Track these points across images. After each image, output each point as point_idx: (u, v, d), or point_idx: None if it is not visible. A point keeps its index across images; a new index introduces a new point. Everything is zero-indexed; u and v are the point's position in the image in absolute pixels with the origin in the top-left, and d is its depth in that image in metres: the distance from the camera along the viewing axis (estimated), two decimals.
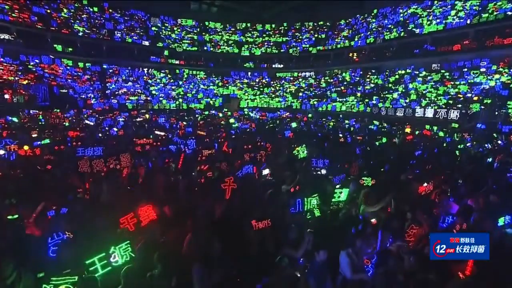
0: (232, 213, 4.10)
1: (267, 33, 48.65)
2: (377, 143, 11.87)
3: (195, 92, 39.17)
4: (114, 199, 4.64)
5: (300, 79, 43.52)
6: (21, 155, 6.30)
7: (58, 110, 22.23)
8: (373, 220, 4.36)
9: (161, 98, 34.90)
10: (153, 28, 43.59)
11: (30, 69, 29.75)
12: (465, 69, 25.99)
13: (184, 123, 17.03)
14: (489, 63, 24.80)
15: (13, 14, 31.07)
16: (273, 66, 45.87)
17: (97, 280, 2.56)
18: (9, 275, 2.47)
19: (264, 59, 46.11)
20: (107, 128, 13.14)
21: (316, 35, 45.56)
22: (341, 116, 27.58)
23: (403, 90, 28.22)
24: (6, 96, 23.90)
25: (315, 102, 33.97)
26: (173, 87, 39.08)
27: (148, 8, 43.62)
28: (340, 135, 13.83)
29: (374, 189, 5.43)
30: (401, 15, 36.44)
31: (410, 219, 3.84)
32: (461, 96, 22.92)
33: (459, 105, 21.37)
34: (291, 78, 44.61)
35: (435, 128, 17.65)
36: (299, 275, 2.82)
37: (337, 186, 5.40)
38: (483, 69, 24.73)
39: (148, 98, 34.29)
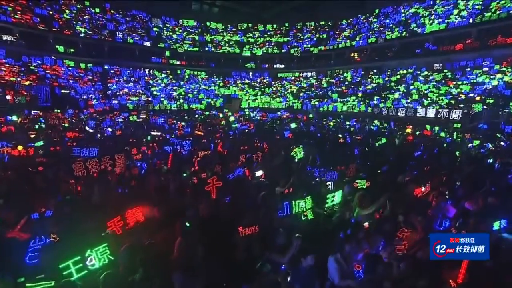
0: (220, 216, 4.03)
1: (269, 33, 48.59)
2: (376, 143, 11.73)
3: (196, 93, 39.18)
4: (105, 200, 4.59)
5: (302, 79, 43.38)
6: (14, 156, 6.29)
7: (58, 111, 22.28)
8: (365, 224, 4.26)
9: (162, 99, 34.94)
10: (155, 29, 43.71)
11: (32, 70, 29.94)
12: (468, 69, 25.73)
13: (183, 123, 17.00)
14: (491, 62, 24.53)
15: (15, 16, 31.32)
16: (275, 66, 45.78)
17: (77, 285, 2.50)
18: None
19: (265, 59, 46.05)
20: (105, 129, 13.12)
21: (317, 35, 45.42)
22: (341, 116, 27.40)
23: (405, 90, 27.99)
24: (8, 97, 24.04)
25: (316, 103, 33.81)
26: (174, 88, 39.12)
27: (149, 9, 43.76)
28: (340, 135, 13.70)
29: (370, 191, 5.34)
30: (403, 14, 36.20)
31: (402, 222, 3.73)
32: (463, 96, 22.67)
33: (461, 105, 21.14)
34: (292, 79, 44.49)
35: (436, 128, 17.46)
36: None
37: (328, 183, 5.31)
38: (485, 69, 24.46)
39: (149, 99, 34.34)
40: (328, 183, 5.46)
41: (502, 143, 13.01)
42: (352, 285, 2.88)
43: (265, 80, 45.07)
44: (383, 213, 4.44)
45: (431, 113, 21.67)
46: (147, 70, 40.70)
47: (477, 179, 6.55)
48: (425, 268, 2.78)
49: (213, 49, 45.49)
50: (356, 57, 38.70)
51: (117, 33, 38.93)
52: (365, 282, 2.67)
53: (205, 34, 47.23)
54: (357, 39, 38.47)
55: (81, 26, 36.66)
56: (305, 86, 41.29)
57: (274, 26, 48.57)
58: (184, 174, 5.43)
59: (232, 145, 9.13)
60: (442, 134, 15.12)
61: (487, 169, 8.00)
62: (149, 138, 10.63)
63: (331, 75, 40.84)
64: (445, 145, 11.71)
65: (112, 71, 37.23)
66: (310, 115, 28.39)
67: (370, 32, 38.10)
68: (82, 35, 35.98)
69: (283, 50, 45.38)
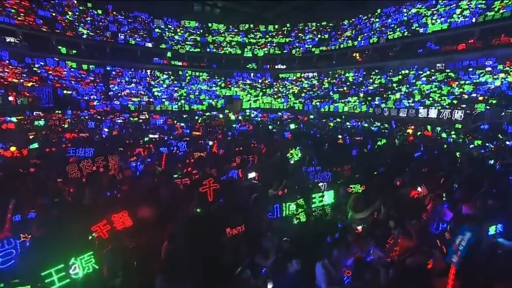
0: (210, 218, 3.97)
1: (270, 34, 48.56)
2: (376, 144, 11.59)
3: (198, 94, 39.22)
4: (95, 202, 4.55)
5: (303, 80, 43.25)
6: (7, 157, 6.28)
7: (59, 112, 22.40)
8: (359, 228, 4.17)
9: (163, 100, 35.02)
10: (156, 30, 43.87)
11: (35, 72, 30.18)
12: (470, 69, 25.46)
13: (182, 124, 16.98)
14: (495, 62, 24.24)
15: (19, 18, 31.61)
16: (276, 67, 45.72)
17: None
18: None
19: (267, 60, 46.01)
20: (100, 130, 13.12)
21: (319, 36, 45.31)
22: (343, 117, 27.24)
23: (406, 90, 27.76)
24: (11, 98, 24.23)
25: (318, 103, 33.67)
26: (175, 89, 39.19)
27: (151, 10, 43.94)
28: (340, 136, 13.58)
29: (365, 193, 5.24)
30: (405, 14, 35.96)
31: (393, 228, 3.62)
32: (466, 96, 22.41)
33: (464, 105, 20.89)
34: (294, 79, 44.38)
35: (438, 129, 17.26)
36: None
37: (320, 184, 5.22)
38: (488, 68, 24.17)
39: (151, 100, 34.43)
40: (320, 184, 5.37)
41: (507, 142, 12.80)
42: None
43: (266, 81, 45.00)
44: (377, 218, 4.33)
45: (433, 113, 21.44)
46: (148, 71, 40.84)
47: (476, 181, 6.40)
48: (413, 276, 2.69)
49: (214, 50, 45.56)
50: (357, 57, 38.53)
51: (119, 34, 39.14)
52: None
53: (206, 35, 47.31)
54: (359, 39, 38.28)
55: (83, 28, 36.91)
56: (306, 86, 41.15)
57: (276, 26, 48.54)
58: (175, 176, 5.36)
59: (228, 146, 9.06)
60: (444, 135, 14.93)
61: (487, 170, 7.83)
62: (146, 139, 10.59)
63: (332, 75, 40.67)
64: (445, 146, 11.53)
65: (114, 72, 37.41)
66: (311, 116, 28.27)
67: (372, 32, 37.90)
68: (85, 36, 36.23)
69: (284, 51, 45.30)
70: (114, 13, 41.75)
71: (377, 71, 34.90)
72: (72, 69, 34.29)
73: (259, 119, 25.07)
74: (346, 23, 44.17)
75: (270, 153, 8.65)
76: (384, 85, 31.56)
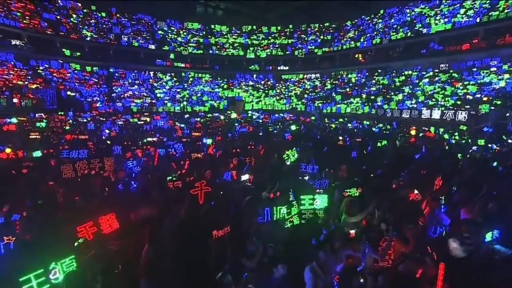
0: (199, 220, 3.91)
1: (273, 35, 48.57)
2: (376, 146, 11.44)
3: (200, 95, 39.33)
4: (87, 204, 4.52)
5: (306, 81, 43.14)
6: (2, 158, 6.32)
7: (62, 113, 22.59)
8: (352, 232, 4.07)
9: (165, 101, 35.17)
10: (159, 32, 44.15)
11: (39, 74, 30.53)
12: (475, 69, 25.13)
13: (182, 125, 16.99)
14: (499, 62, 23.89)
15: (24, 21, 32.06)
16: (279, 68, 45.69)
17: None
18: None
19: (270, 61, 46.00)
20: (105, 131, 13.18)
21: (321, 37, 45.20)
22: (346, 118, 27.05)
23: (409, 91, 27.50)
24: (15, 100, 24.53)
25: (320, 104, 33.52)
26: (178, 90, 39.35)
27: (154, 12, 44.27)
28: (341, 138, 13.45)
29: (361, 196, 5.13)
30: (408, 15, 35.70)
31: (385, 230, 3.52)
32: (470, 96, 22.10)
33: (468, 106, 20.59)
34: (296, 80, 44.29)
35: (441, 130, 17.02)
36: None
37: (318, 191, 5.13)
38: (493, 69, 23.83)
39: (153, 101, 34.60)
40: (318, 191, 5.28)
41: (509, 141, 12.56)
42: None
43: (269, 82, 44.97)
44: (370, 221, 4.22)
45: (436, 114, 21.17)
46: (151, 72, 41.10)
47: (477, 184, 6.24)
48: (405, 283, 2.60)
49: (217, 52, 45.67)
50: (360, 58, 38.32)
51: (123, 36, 39.46)
52: None
53: (209, 36, 47.49)
54: (362, 40, 38.08)
55: (87, 30, 37.29)
56: (309, 88, 41.03)
57: (278, 28, 48.54)
58: (169, 178, 5.33)
59: (226, 147, 9.01)
60: (446, 136, 14.70)
61: (489, 172, 7.65)
62: (145, 141, 10.59)
63: (335, 76, 40.50)
64: (447, 148, 11.33)
65: (117, 74, 37.70)
66: (313, 117, 28.14)
67: (375, 33, 37.68)
68: (88, 38, 36.58)
69: (287, 52, 45.25)
70: (118, 15, 42.13)
71: (380, 71, 34.67)
72: (76, 71, 34.64)
73: (260, 120, 25.03)
74: (348, 24, 44.01)
75: (268, 155, 8.58)
76: (387, 86, 31.32)
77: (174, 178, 5.50)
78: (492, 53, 24.47)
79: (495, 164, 8.85)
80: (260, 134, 14.77)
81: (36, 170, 5.52)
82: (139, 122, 19.66)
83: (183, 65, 42.67)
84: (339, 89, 36.48)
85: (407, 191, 5.32)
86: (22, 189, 4.49)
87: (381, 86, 31.99)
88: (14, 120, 15.24)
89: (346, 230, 4.14)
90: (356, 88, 34.40)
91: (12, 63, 29.33)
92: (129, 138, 11.36)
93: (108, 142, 10.08)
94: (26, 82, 27.62)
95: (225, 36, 48.46)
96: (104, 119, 20.60)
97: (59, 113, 23.16)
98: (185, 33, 46.57)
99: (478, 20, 26.25)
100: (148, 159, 6.84)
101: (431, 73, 28.35)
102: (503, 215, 4.72)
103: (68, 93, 29.63)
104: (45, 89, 27.54)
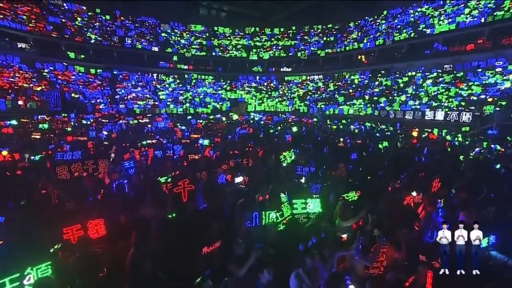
0: (189, 223, 3.87)
1: (276, 36, 48.59)
2: (377, 147, 11.29)
3: (203, 97, 39.47)
4: (78, 207, 4.51)
5: (308, 82, 43.02)
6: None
7: (65, 115, 22.83)
8: (344, 236, 3.99)
9: (168, 103, 35.34)
10: (163, 34, 44.46)
11: (44, 76, 30.93)
12: (479, 69, 24.78)
13: (183, 127, 17.01)
14: (505, 62, 23.52)
15: (30, 24, 32.56)
16: (281, 69, 45.64)
17: None
18: None
19: (272, 63, 45.99)
20: (104, 133, 13.26)
21: (324, 38, 45.06)
22: (349, 120, 26.85)
23: (413, 92, 27.22)
24: (20, 102, 24.86)
25: (323, 106, 33.37)
26: (181, 92, 39.53)
27: (158, 15, 44.62)
28: (341, 139, 13.33)
29: (358, 199, 5.04)
30: (412, 15, 35.42)
31: (377, 236, 3.43)
32: (474, 97, 21.77)
33: (472, 107, 20.28)
34: (299, 82, 44.19)
35: (444, 131, 16.77)
36: None
37: (314, 196, 5.04)
38: (498, 69, 23.47)
39: (156, 103, 34.79)
40: (314, 196, 5.20)
41: None
42: None
43: (272, 84, 44.94)
44: (363, 226, 4.13)
45: (440, 115, 20.89)
46: (155, 75, 41.37)
47: (478, 186, 6.09)
48: None
49: (220, 54, 45.82)
50: (363, 60, 38.09)
51: (126, 38, 39.81)
52: None
53: (212, 38, 47.69)
54: (365, 41, 37.87)
55: (91, 33, 37.71)
56: (311, 89, 40.90)
57: (282, 29, 48.54)
58: (163, 180, 5.29)
59: (224, 149, 8.97)
60: (448, 137, 14.47)
61: (490, 174, 7.47)
62: (144, 143, 10.60)
63: (338, 78, 40.31)
64: (449, 149, 11.13)
65: (120, 76, 38.03)
66: (315, 119, 28.00)
67: (378, 34, 37.45)
68: (93, 41, 36.97)
69: (290, 54, 45.20)
70: (122, 18, 42.55)
71: (383, 72, 34.42)
72: (80, 74, 35.02)
73: (262, 122, 24.98)
74: (352, 25, 43.82)
75: (267, 157, 8.51)
76: (390, 87, 31.06)
77: (168, 180, 5.46)
78: (498, 54, 24.12)
79: (498, 166, 8.66)
80: (261, 135, 14.72)
81: (31, 171, 5.54)
82: (140, 124, 19.73)
83: (186, 67, 42.88)
84: (342, 90, 36.28)
85: (403, 194, 5.22)
86: (12, 190, 4.50)
87: (384, 87, 31.74)
88: (14, 122, 15.41)
89: (338, 234, 4.06)
90: (359, 89, 34.19)
91: (18, 66, 29.74)
92: (128, 139, 11.38)
93: (106, 143, 10.11)
94: (31, 85, 27.99)
95: (228, 38, 48.62)
96: (107, 120, 20.71)
97: (63, 115, 23.40)
98: (188, 35, 46.85)
99: (482, 20, 25.92)
100: (142, 159, 6.82)
101: (435, 74, 28.04)
102: (501, 220, 4.60)
103: (72, 95, 29.94)
104: (50, 91, 27.87)
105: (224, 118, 26.23)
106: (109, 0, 40.40)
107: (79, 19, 38.48)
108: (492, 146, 11.38)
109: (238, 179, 5.54)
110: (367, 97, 31.09)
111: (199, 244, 3.13)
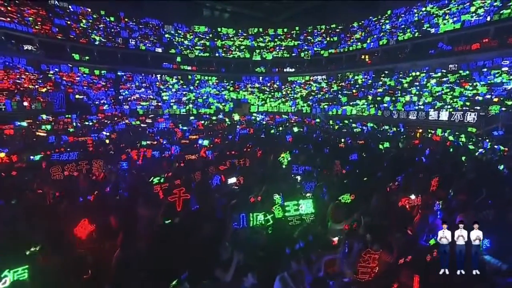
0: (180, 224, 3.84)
1: (279, 37, 48.52)
2: (378, 148, 11.16)
3: (206, 97, 39.57)
4: (70, 208, 4.51)
5: (312, 83, 42.84)
6: None
7: (69, 116, 23.07)
8: (335, 239, 3.91)
9: (171, 104, 35.51)
10: (166, 35, 44.72)
11: (50, 78, 31.34)
12: (485, 69, 24.37)
13: (185, 128, 17.04)
14: None
15: (36, 26, 33.04)
16: (285, 70, 45.54)
17: None
18: None
19: (276, 63, 45.91)
20: (103, 133, 13.35)
21: (328, 38, 44.84)
22: (351, 120, 26.64)
23: (417, 92, 26.89)
24: (25, 104, 25.22)
25: (326, 106, 33.18)
26: (184, 93, 39.70)
27: (162, 16, 44.90)
28: (343, 139, 13.21)
29: (353, 201, 4.95)
30: (416, 15, 35.04)
31: (370, 242, 3.34)
32: (480, 97, 21.40)
33: (477, 107, 19.93)
34: (303, 82, 44.03)
35: (448, 131, 16.49)
36: None
37: (308, 195, 4.99)
38: (505, 68, 23.04)
39: (159, 104, 34.98)
40: (308, 194, 5.14)
41: None
42: None
43: (275, 84, 44.87)
44: (355, 229, 4.04)
45: (444, 116, 20.57)
46: (158, 76, 41.62)
47: (478, 188, 5.95)
48: None
49: (223, 54, 45.91)
50: (367, 60, 37.79)
51: (130, 40, 40.15)
52: None
53: (216, 39, 47.82)
54: (368, 41, 37.57)
55: (96, 35, 38.12)
56: (315, 89, 40.72)
57: (285, 30, 48.45)
58: (156, 180, 5.28)
59: (221, 150, 8.95)
60: (451, 138, 14.23)
61: (492, 176, 7.30)
62: (143, 143, 10.63)
63: (341, 78, 40.06)
64: (451, 150, 10.94)
65: (124, 77, 38.35)
66: (318, 119, 27.85)
67: (382, 34, 37.12)
68: (97, 43, 37.37)
69: (293, 54, 45.07)
70: (126, 19, 42.93)
71: (387, 72, 34.10)
72: (85, 75, 35.41)
73: (264, 122, 24.92)
74: (355, 25, 43.54)
75: (265, 157, 8.46)
76: (393, 87, 30.74)
77: (161, 180, 5.44)
78: (504, 53, 23.67)
79: (501, 167, 8.48)
80: (262, 136, 14.67)
81: (27, 171, 5.58)
82: (142, 125, 19.83)
83: (189, 68, 43.04)
84: (345, 90, 36.04)
85: (398, 196, 5.11)
86: (5, 191, 4.52)
87: (387, 87, 31.43)
88: (24, 123, 15.58)
89: (329, 237, 3.99)
90: (363, 89, 33.91)
91: (24, 68, 30.18)
92: (127, 140, 11.43)
93: (106, 143, 10.16)
94: (36, 86, 28.38)
95: (232, 39, 48.70)
96: (109, 121, 20.87)
97: (67, 116, 23.66)
98: (191, 36, 47.05)
99: (488, 18, 25.50)
100: (135, 159, 6.83)
101: (439, 74, 27.66)
102: (500, 223, 4.47)
103: (77, 96, 30.26)
104: (54, 93, 28.23)
105: (226, 119, 26.24)
106: (114, 1, 40.70)
107: (84, 21, 38.92)
108: (496, 146, 11.15)
109: (231, 180, 5.49)
110: (370, 97, 30.82)
111: (188, 245, 3.10)
